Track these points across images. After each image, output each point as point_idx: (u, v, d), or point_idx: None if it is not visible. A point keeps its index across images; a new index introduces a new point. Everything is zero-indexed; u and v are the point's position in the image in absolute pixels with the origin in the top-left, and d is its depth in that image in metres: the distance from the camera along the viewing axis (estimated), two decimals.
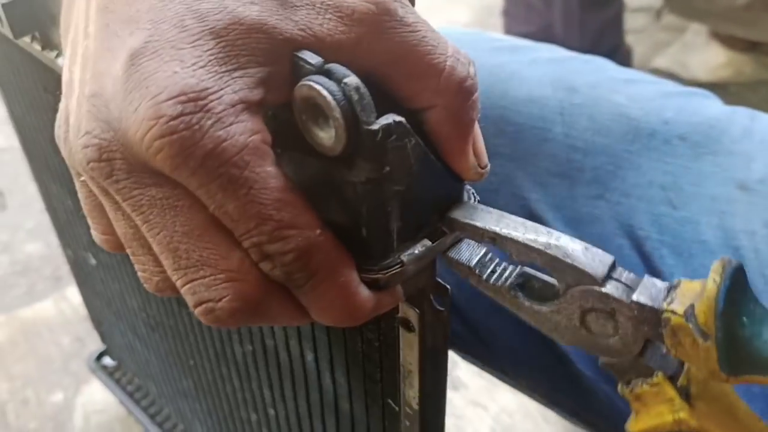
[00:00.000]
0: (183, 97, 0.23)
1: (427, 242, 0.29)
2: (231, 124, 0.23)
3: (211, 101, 0.23)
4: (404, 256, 0.28)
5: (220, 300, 0.25)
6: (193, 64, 0.23)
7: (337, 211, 0.27)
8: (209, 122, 0.23)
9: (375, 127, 0.24)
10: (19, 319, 1.05)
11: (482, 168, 0.29)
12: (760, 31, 1.38)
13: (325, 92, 0.23)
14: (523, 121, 0.50)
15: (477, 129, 0.28)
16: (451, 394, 0.95)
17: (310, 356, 0.42)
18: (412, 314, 0.33)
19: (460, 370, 0.97)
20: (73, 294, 1.08)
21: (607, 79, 0.52)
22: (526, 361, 0.53)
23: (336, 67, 0.24)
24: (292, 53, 0.24)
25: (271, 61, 0.24)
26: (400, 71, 0.26)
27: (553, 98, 0.50)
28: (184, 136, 0.23)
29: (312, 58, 0.24)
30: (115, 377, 0.84)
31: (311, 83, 0.24)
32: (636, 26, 1.66)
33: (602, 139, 0.48)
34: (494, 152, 0.46)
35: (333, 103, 0.23)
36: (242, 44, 0.24)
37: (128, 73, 0.23)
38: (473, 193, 0.31)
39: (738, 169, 0.46)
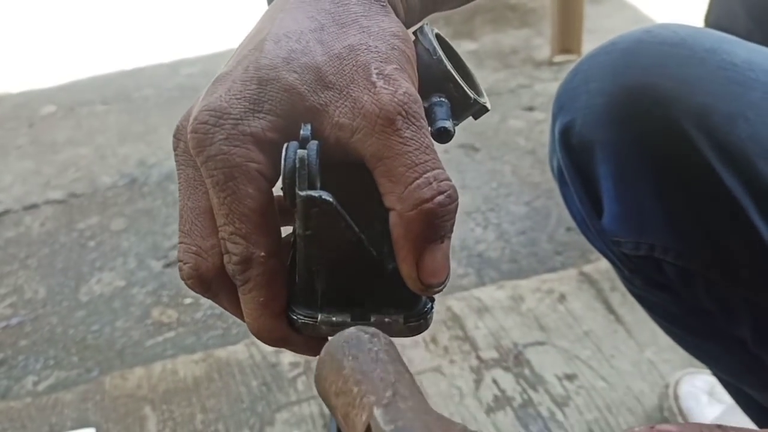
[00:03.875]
0: (213, 112, 0.32)
1: (347, 318, 0.32)
2: (236, 146, 0.31)
3: (228, 122, 0.31)
4: (321, 315, 0.32)
5: (185, 264, 0.34)
6: (234, 95, 0.32)
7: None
8: (220, 136, 0.31)
9: (301, 193, 0.30)
10: (215, 358, 1.15)
11: (423, 284, 0.31)
12: None
13: (284, 154, 0.30)
14: None
15: (438, 249, 0.31)
16: None
17: None
18: None
19: None
20: None
21: None
22: None
23: (311, 143, 0.30)
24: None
25: (289, 116, 0.32)
26: (380, 169, 0.31)
27: None
28: (200, 137, 0.32)
29: (305, 130, 0.31)
30: None
31: (286, 144, 0.31)
32: None
33: None
34: None
35: (282, 165, 0.30)
36: (273, 96, 0.32)
37: (207, 89, 0.34)
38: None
39: None
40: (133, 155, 1.74)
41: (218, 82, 0.33)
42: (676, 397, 0.93)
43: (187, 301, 1.33)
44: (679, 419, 0.92)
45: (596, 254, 1.35)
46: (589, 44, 1.95)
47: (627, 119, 0.51)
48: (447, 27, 2.26)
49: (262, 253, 0.32)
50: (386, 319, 0.32)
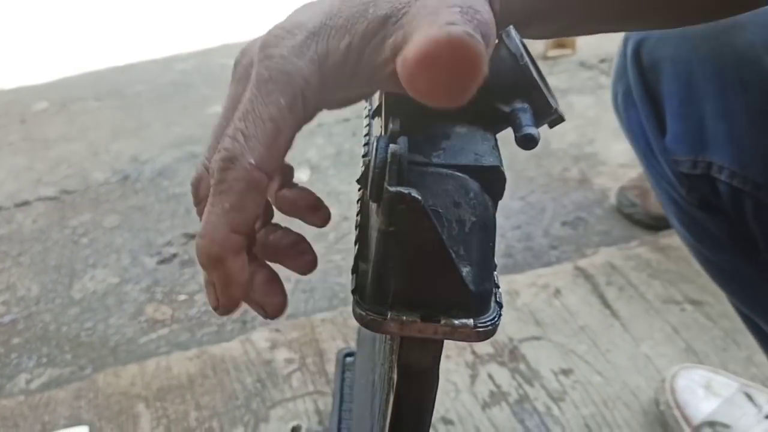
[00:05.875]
0: (293, 22, 0.32)
1: (416, 318, 0.31)
2: (297, 56, 0.31)
3: (302, 33, 0.31)
4: (390, 313, 0.31)
5: (193, 175, 0.35)
6: (314, 11, 0.32)
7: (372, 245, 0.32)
8: (288, 42, 0.31)
9: (391, 189, 0.28)
10: (209, 354, 1.14)
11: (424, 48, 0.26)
12: None
13: (374, 146, 0.30)
14: None
15: (446, 30, 0.26)
16: None
17: None
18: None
19: None
20: (257, 338, 1.16)
21: None
22: None
23: (401, 138, 0.30)
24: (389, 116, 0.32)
25: (359, 28, 0.31)
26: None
27: None
28: (270, 39, 0.32)
29: (395, 125, 0.30)
30: None
31: (376, 136, 0.30)
32: None
33: None
34: None
35: (372, 159, 0.30)
36: (350, 6, 0.31)
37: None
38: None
39: None
40: (125, 151, 1.73)
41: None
42: (673, 391, 0.93)
43: (181, 297, 1.32)
44: (676, 413, 0.92)
45: (592, 248, 1.35)
46: (583, 38, 1.94)
47: (701, 37, 0.52)
48: None
49: (251, 160, 0.30)
50: (456, 322, 0.31)
